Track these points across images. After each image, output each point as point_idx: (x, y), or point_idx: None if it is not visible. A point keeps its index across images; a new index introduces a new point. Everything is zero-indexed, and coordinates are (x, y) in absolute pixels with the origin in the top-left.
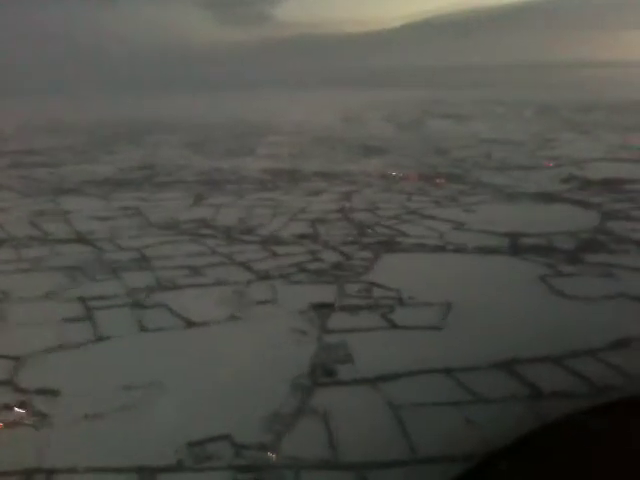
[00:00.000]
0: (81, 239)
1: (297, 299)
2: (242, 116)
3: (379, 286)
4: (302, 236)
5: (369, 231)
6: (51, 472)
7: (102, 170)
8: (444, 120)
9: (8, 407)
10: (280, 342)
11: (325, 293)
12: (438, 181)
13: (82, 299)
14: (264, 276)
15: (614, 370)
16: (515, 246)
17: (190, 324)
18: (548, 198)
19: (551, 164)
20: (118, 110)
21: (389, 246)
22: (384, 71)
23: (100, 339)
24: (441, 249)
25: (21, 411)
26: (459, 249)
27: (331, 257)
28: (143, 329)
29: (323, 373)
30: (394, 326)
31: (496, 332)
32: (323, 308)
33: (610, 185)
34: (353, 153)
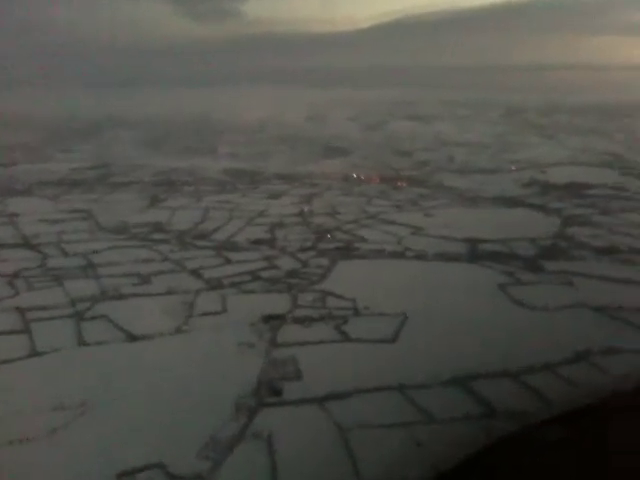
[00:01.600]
0: (26, 244)
1: (247, 310)
2: (205, 113)
3: (334, 295)
4: (258, 241)
5: (328, 236)
6: None
7: (55, 169)
8: (409, 121)
9: None
10: (226, 357)
11: (278, 303)
12: (400, 184)
13: (20, 310)
14: (215, 285)
15: (571, 386)
16: (474, 252)
17: (132, 338)
18: (509, 202)
19: (513, 167)
20: (77, 106)
21: (347, 252)
22: (352, 71)
23: (35, 354)
24: (400, 255)
25: None
26: (418, 255)
27: (287, 264)
28: (82, 343)
29: (269, 392)
30: (347, 339)
31: (452, 345)
32: (274, 320)
33: (571, 189)
34: (316, 154)
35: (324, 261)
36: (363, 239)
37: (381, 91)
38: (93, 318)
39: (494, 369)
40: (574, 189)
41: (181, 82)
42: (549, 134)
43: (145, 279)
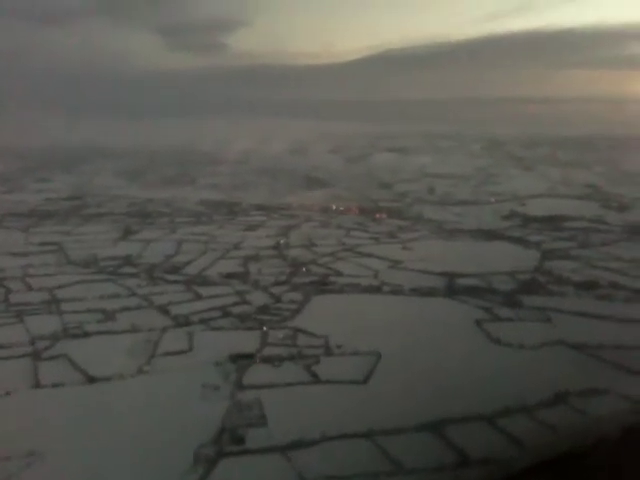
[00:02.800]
0: None
1: (215, 348)
2: (188, 144)
3: (306, 333)
4: (231, 275)
5: (303, 270)
6: None
7: (29, 200)
8: (391, 153)
9: None
10: (188, 402)
11: (247, 341)
12: (378, 216)
13: None
14: (182, 322)
15: (549, 430)
16: (452, 287)
17: (91, 380)
18: (488, 235)
19: (493, 200)
20: (58, 135)
21: (322, 286)
22: (335, 104)
23: None
24: (376, 290)
25: None
26: (394, 290)
27: (259, 299)
28: (38, 385)
29: (231, 440)
30: (317, 380)
31: (426, 387)
32: (242, 359)
33: (551, 222)
34: (296, 185)
35: (298, 296)
36: (339, 273)
37: (364, 124)
38: (52, 358)
39: (469, 412)
40: (553, 222)
41: (166, 112)
42: (529, 166)
43: (110, 316)
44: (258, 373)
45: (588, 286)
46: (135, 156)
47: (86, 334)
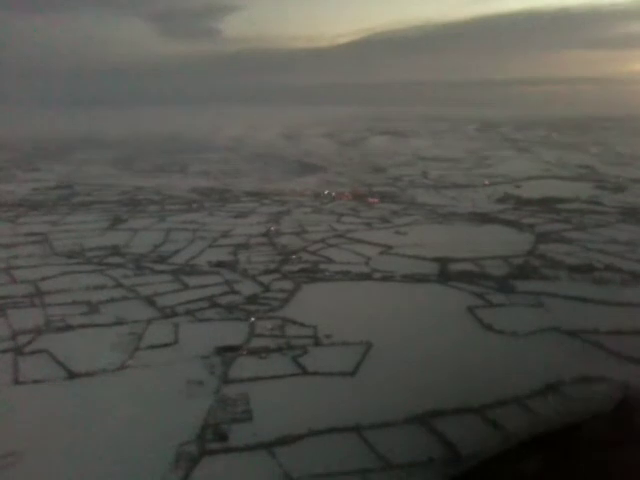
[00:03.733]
0: None
1: (201, 341)
2: (181, 131)
3: (295, 323)
4: (220, 264)
5: (293, 257)
6: None
7: (17, 190)
8: (386, 137)
9: None
10: (171, 398)
11: (234, 332)
12: (371, 200)
13: None
14: (168, 313)
15: (542, 422)
16: (444, 272)
17: (72, 375)
18: (482, 219)
19: (487, 182)
20: (52, 125)
21: (312, 274)
22: (330, 87)
23: None
24: (367, 277)
25: None
26: (385, 277)
27: (248, 289)
28: (18, 382)
29: (214, 436)
30: (304, 372)
31: (416, 377)
32: (228, 351)
33: (545, 204)
34: (289, 171)
35: (287, 285)
36: (330, 260)
37: (358, 107)
38: (33, 353)
39: (459, 404)
40: (548, 204)
41: (158, 100)
42: (524, 148)
43: (94, 308)
44: (244, 366)
45: (583, 269)
46: (126, 144)
47: (69, 327)
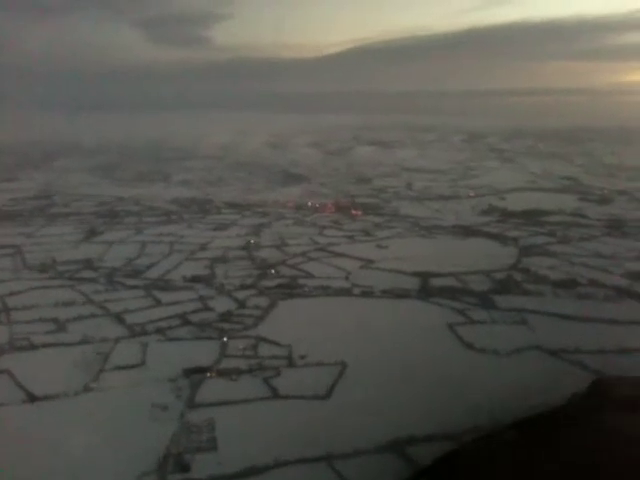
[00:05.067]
0: None
1: (169, 362)
2: (166, 138)
3: (269, 342)
4: (195, 279)
5: (271, 272)
6: None
7: None
8: (372, 147)
9: None
10: (133, 424)
11: (204, 353)
12: (354, 212)
13: None
14: (138, 332)
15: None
16: (425, 288)
17: (32, 398)
18: (465, 232)
19: (472, 194)
20: (33, 131)
21: (290, 290)
22: (318, 96)
23: None
24: (346, 292)
25: None
26: (365, 292)
27: (222, 305)
28: None
29: (176, 467)
30: (275, 395)
31: (392, 401)
32: (197, 373)
33: (530, 216)
34: (273, 181)
35: (263, 301)
36: (309, 274)
37: (346, 117)
38: None
39: (436, 430)
40: (533, 216)
41: (145, 107)
42: (510, 158)
43: (61, 326)
44: (213, 389)
45: (566, 284)
46: (109, 152)
47: (33, 347)
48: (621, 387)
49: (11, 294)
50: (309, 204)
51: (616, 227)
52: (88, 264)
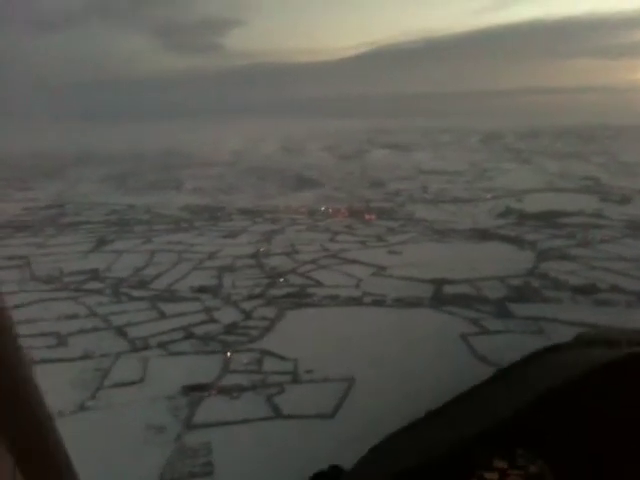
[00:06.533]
0: None
1: (169, 378)
2: (180, 146)
3: (274, 355)
4: (202, 289)
5: (280, 280)
6: None
7: (8, 210)
8: (387, 150)
9: None
10: (128, 446)
11: (206, 368)
12: (368, 217)
13: None
14: (139, 346)
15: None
16: (438, 296)
17: None
18: (481, 235)
19: (489, 196)
20: (46, 141)
21: (299, 299)
22: (332, 100)
23: None
24: (356, 302)
25: None
26: (376, 301)
27: (228, 316)
28: None
29: None
30: (278, 415)
31: (400, 420)
32: (197, 391)
33: (548, 218)
34: (286, 186)
35: (271, 312)
36: (319, 283)
37: (361, 120)
38: None
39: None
40: (551, 218)
41: (159, 115)
42: (527, 159)
43: (62, 340)
44: (212, 408)
45: (586, 290)
46: (123, 160)
47: (33, 363)
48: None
49: (16, 307)
50: (322, 209)
51: (638, 228)
52: (94, 275)
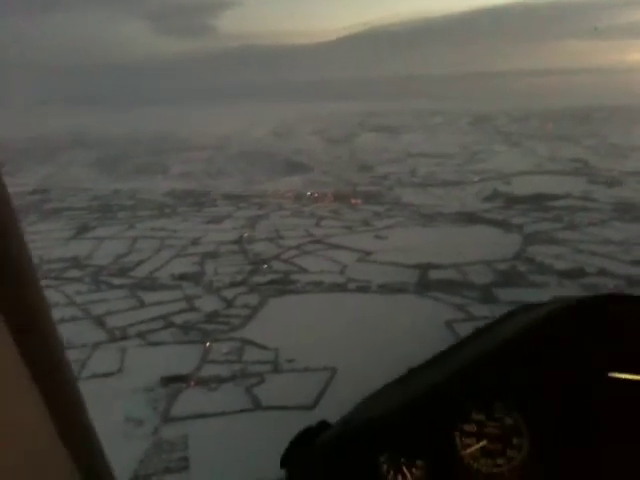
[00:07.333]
0: None
1: (148, 369)
2: (170, 130)
3: (255, 345)
4: (183, 277)
5: (264, 267)
6: None
7: None
8: (377, 133)
9: None
10: (103, 441)
11: (185, 358)
12: (354, 201)
13: None
14: (118, 336)
15: None
16: (424, 281)
17: None
18: (468, 219)
19: (476, 179)
20: (38, 125)
21: (282, 286)
22: (324, 83)
23: None
24: (340, 288)
25: None
26: (361, 287)
27: (209, 304)
28: None
29: None
30: (257, 406)
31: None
32: (175, 382)
33: (536, 201)
34: (274, 170)
35: (253, 299)
36: (302, 269)
37: (353, 102)
38: None
39: None
40: (539, 201)
41: (152, 99)
42: (517, 141)
43: None
44: (190, 400)
45: (573, 274)
46: (114, 145)
47: None
48: None
49: None
50: (308, 194)
51: (626, 210)
52: (75, 262)
